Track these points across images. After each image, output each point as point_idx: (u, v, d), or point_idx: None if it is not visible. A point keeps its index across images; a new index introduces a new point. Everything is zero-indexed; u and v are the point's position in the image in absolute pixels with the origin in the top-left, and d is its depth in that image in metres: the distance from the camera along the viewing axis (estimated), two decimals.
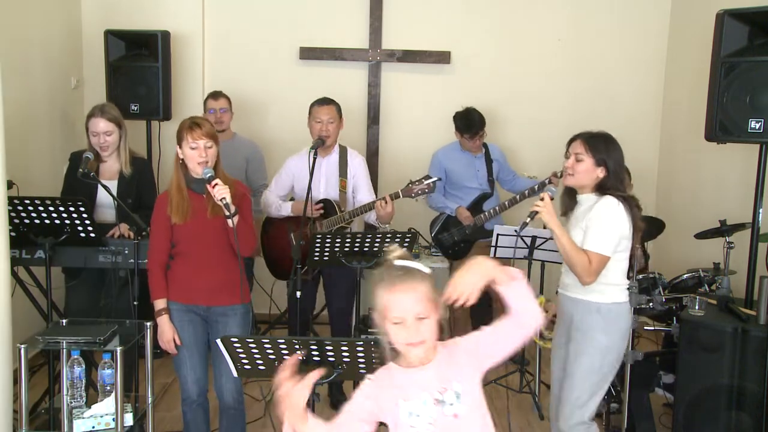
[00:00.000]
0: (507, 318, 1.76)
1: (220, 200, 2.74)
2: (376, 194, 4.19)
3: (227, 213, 2.74)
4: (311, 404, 2.32)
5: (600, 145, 2.72)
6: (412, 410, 1.76)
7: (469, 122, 4.46)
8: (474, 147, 4.56)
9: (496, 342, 1.78)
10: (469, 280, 1.70)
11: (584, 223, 2.71)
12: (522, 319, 1.75)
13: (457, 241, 4.55)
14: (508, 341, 1.78)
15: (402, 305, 1.68)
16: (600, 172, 2.72)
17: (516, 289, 1.74)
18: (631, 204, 2.71)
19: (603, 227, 2.67)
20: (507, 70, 5.31)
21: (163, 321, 2.88)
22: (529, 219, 2.75)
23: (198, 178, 2.86)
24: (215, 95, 4.52)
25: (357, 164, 3.98)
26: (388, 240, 3.31)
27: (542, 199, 2.69)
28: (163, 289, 2.90)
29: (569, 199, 2.88)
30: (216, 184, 2.75)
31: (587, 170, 2.72)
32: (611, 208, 2.67)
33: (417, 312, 1.69)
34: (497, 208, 4.44)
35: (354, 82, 5.28)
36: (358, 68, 5.28)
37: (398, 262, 1.75)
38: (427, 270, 1.76)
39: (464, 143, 4.55)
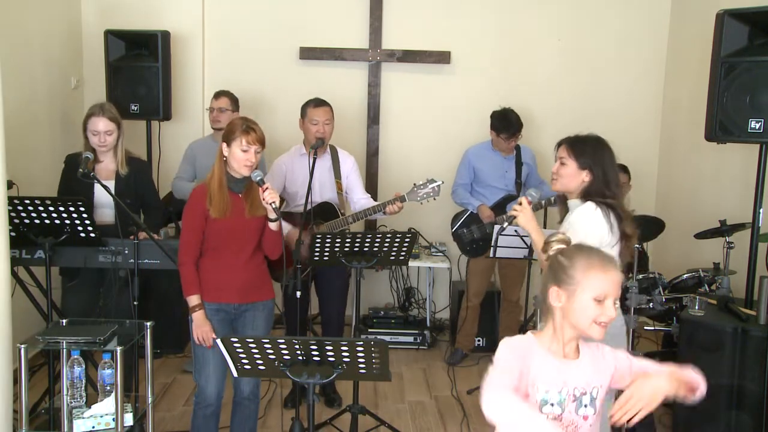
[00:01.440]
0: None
1: (270, 203, 2.81)
2: (371, 193, 4.17)
3: (272, 216, 2.86)
4: (311, 404, 2.31)
5: (585, 148, 2.63)
6: (548, 398, 1.85)
7: (507, 123, 4.44)
8: (507, 148, 4.55)
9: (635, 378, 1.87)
10: (642, 402, 1.77)
11: (563, 228, 2.61)
12: None
13: (476, 238, 4.54)
14: None
15: (610, 285, 1.82)
16: (585, 176, 2.60)
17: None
18: (613, 209, 2.57)
19: (576, 235, 2.44)
20: (507, 70, 5.31)
21: (199, 316, 2.88)
22: (506, 224, 2.74)
23: (238, 178, 2.90)
24: (217, 95, 4.53)
25: (349, 164, 3.97)
26: (387, 240, 3.31)
27: (520, 203, 2.66)
28: (197, 285, 2.91)
29: (562, 206, 2.78)
30: (267, 188, 2.81)
31: (571, 174, 2.62)
32: (586, 214, 2.57)
33: (616, 295, 1.84)
34: None
35: (354, 82, 5.29)
36: (358, 68, 5.28)
37: (594, 248, 1.93)
38: None
39: (497, 143, 4.54)
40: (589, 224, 2.54)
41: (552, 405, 1.84)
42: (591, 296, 1.81)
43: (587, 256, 1.85)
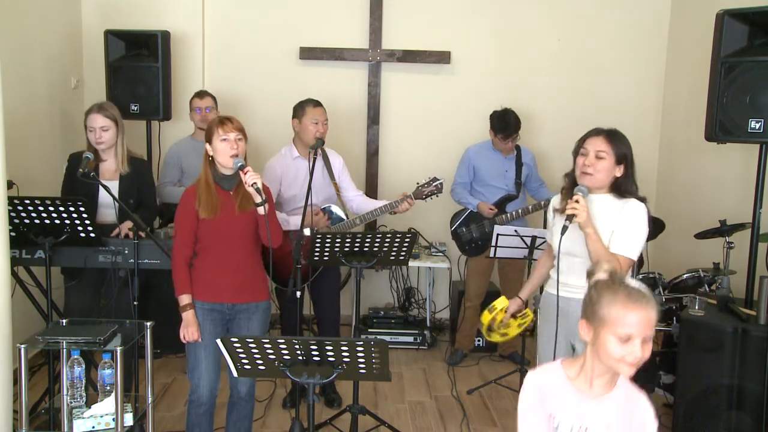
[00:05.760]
0: None
1: (252, 185, 2.78)
2: (372, 193, 4.15)
3: (258, 200, 2.80)
4: (311, 404, 2.31)
5: (621, 141, 2.62)
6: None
7: (505, 123, 4.44)
8: (506, 148, 4.55)
9: None
10: None
11: (609, 225, 2.60)
12: None
13: (474, 237, 4.54)
14: None
15: (636, 323, 1.70)
16: (618, 171, 2.61)
17: None
18: (648, 207, 2.66)
19: (635, 232, 2.59)
20: (507, 70, 5.31)
21: (189, 315, 2.88)
22: (568, 222, 2.57)
23: (226, 175, 2.89)
24: (200, 94, 4.51)
25: (339, 164, 3.98)
26: (387, 240, 3.31)
27: (577, 201, 2.55)
28: (188, 285, 2.91)
29: (568, 198, 2.71)
30: (248, 171, 2.80)
31: (608, 169, 2.60)
32: (642, 214, 2.61)
33: (647, 334, 1.72)
34: (520, 210, 4.42)
35: (354, 82, 5.29)
36: (358, 68, 5.28)
37: (633, 282, 1.77)
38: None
39: (496, 143, 4.54)
40: (644, 224, 2.60)
41: None
42: (614, 335, 1.71)
43: (613, 292, 1.74)
